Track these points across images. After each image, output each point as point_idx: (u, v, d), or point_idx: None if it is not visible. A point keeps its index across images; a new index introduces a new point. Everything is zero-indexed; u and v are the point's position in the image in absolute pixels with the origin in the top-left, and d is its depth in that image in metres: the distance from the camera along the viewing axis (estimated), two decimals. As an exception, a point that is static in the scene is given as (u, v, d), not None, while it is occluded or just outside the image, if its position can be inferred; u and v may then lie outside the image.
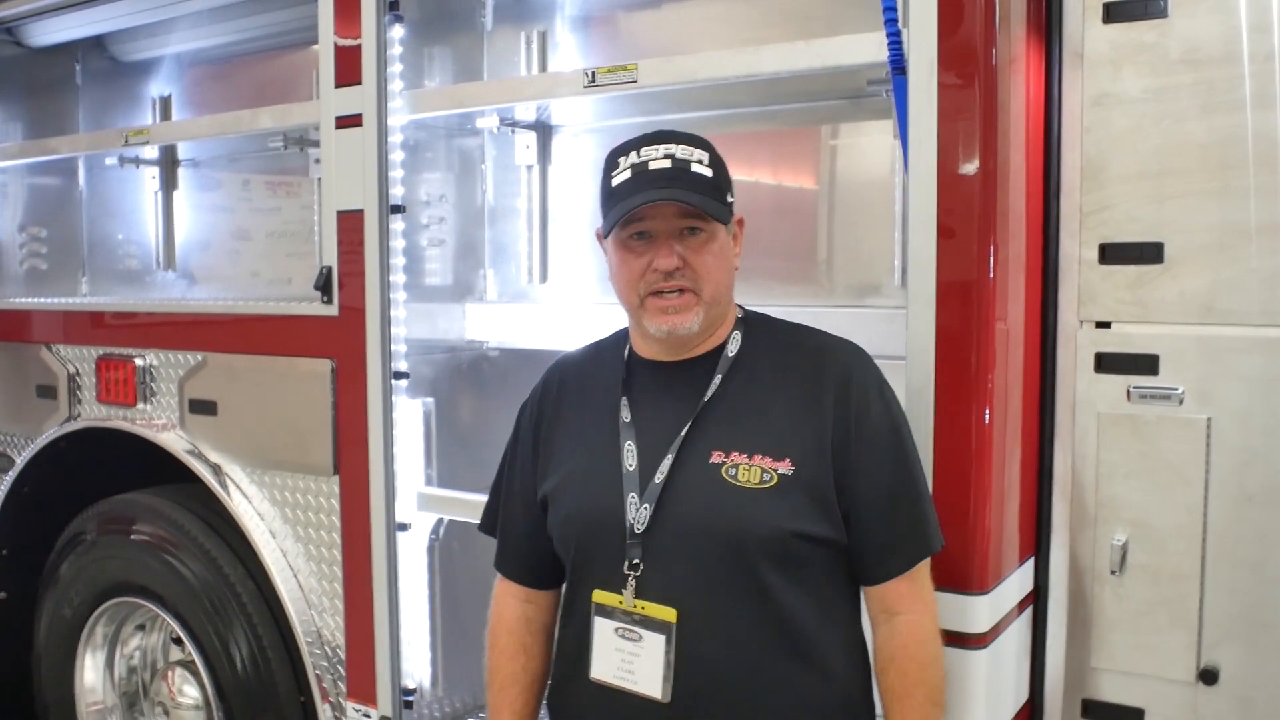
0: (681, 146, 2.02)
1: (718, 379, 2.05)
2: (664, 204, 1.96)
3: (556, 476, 2.15)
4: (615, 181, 2.02)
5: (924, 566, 2.05)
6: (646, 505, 2.00)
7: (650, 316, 2.03)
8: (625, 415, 2.09)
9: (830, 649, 2.02)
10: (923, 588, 2.05)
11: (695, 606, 1.97)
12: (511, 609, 2.30)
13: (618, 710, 2.02)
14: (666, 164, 1.99)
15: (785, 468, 1.96)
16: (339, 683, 3.26)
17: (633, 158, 2.02)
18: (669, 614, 1.97)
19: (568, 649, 2.15)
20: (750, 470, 1.96)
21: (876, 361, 2.12)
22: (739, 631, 1.97)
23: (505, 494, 2.31)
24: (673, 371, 2.10)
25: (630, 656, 2.00)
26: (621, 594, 2.01)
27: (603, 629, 2.03)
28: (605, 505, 2.04)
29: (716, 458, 1.99)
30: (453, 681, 3.28)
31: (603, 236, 2.09)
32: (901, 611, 2.02)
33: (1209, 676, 2.33)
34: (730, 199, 2.07)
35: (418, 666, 3.18)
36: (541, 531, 2.18)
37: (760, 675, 1.97)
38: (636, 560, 1.99)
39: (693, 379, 2.07)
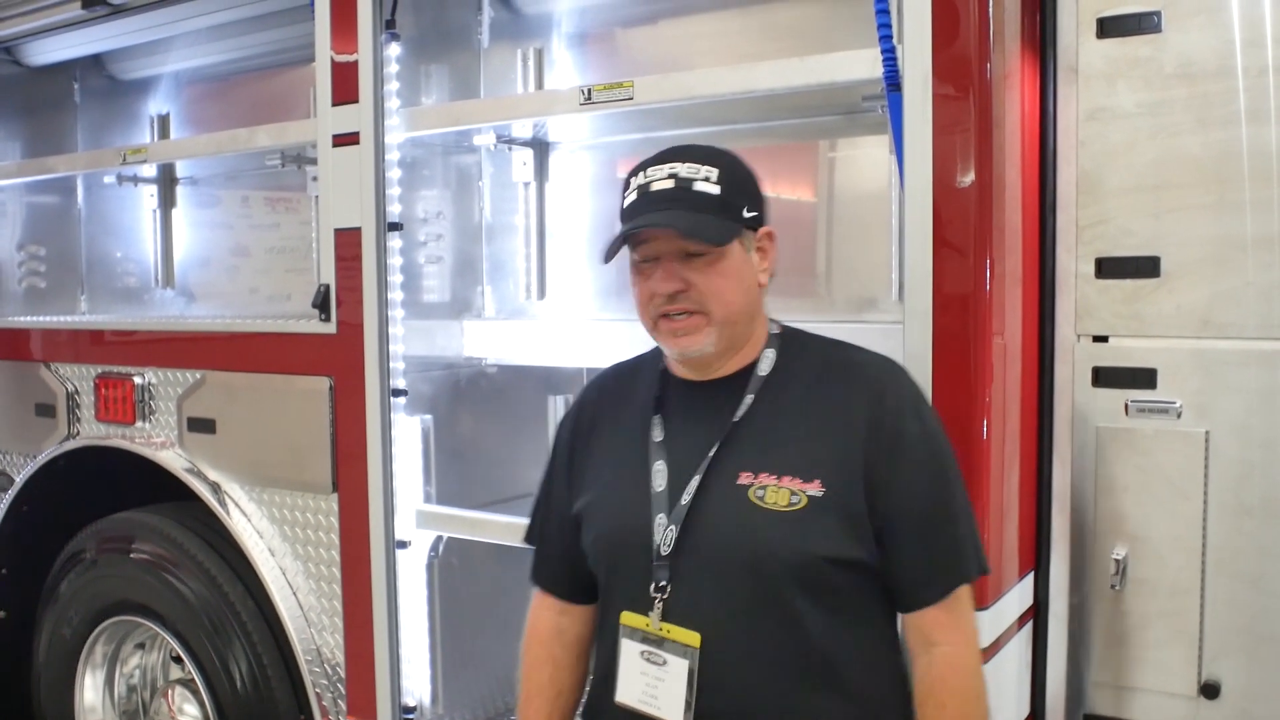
0: (688, 165, 1.96)
1: (749, 399, 1.99)
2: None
3: (589, 494, 2.11)
4: (625, 203, 2.00)
5: (963, 594, 1.95)
6: (673, 526, 1.95)
7: (663, 339, 2.01)
8: (657, 435, 2.04)
9: (867, 678, 1.95)
10: (962, 617, 1.95)
11: (720, 631, 1.92)
12: (545, 620, 2.25)
13: None
14: (668, 184, 1.94)
15: (815, 489, 1.89)
16: (339, 700, 3.25)
17: (640, 178, 1.98)
18: (693, 638, 1.92)
19: (599, 670, 2.11)
20: (779, 492, 1.90)
21: None
22: (765, 658, 1.91)
23: (544, 507, 2.27)
24: (704, 391, 2.04)
25: (655, 681, 1.95)
26: (648, 616, 1.96)
27: (629, 651, 1.99)
28: (633, 525, 2.00)
29: (745, 479, 1.93)
30: (453, 698, 3.27)
31: (604, 260, 2.04)
32: (939, 642, 1.93)
33: (1210, 690, 2.32)
34: (749, 214, 1.98)
35: (418, 684, 3.17)
36: (576, 547, 2.14)
37: (787, 704, 1.91)
38: (664, 582, 1.95)
39: (723, 398, 2.01)
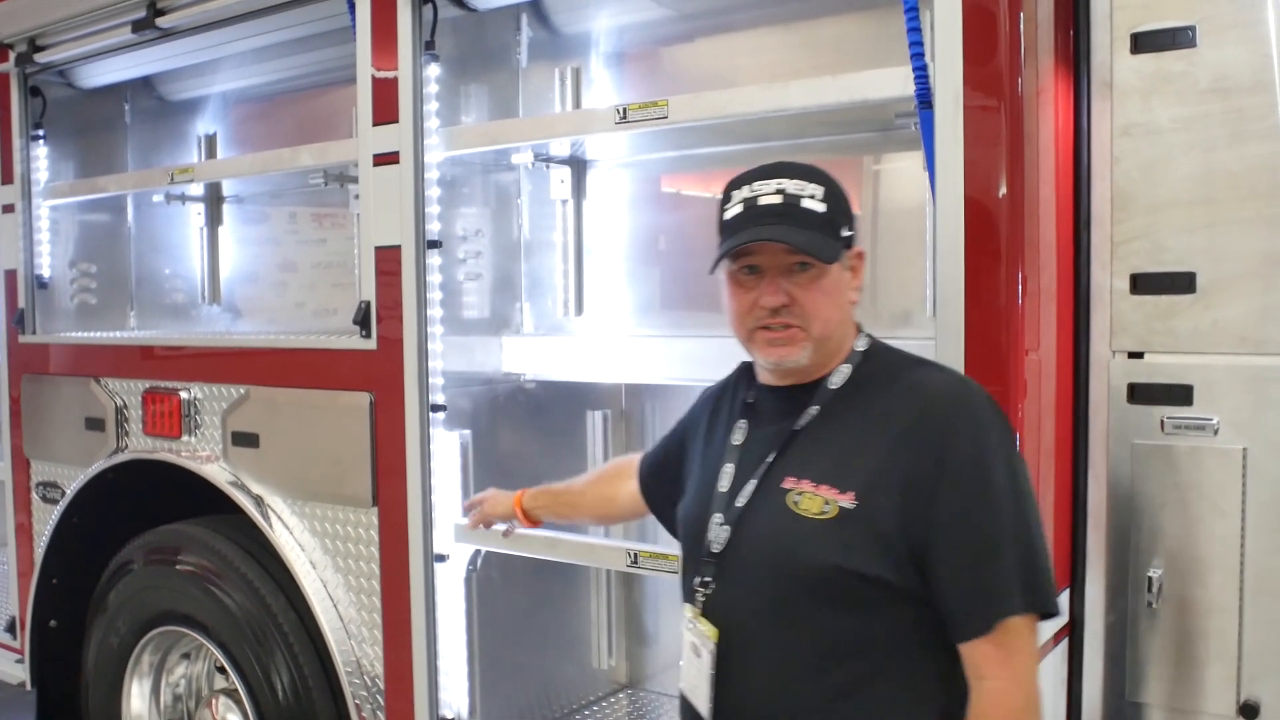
0: (794, 181, 1.98)
1: (814, 409, 2.02)
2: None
3: (689, 480, 2.23)
4: (727, 215, 2.01)
5: (1015, 628, 1.86)
6: (727, 526, 2.02)
7: (759, 349, 2.03)
8: (736, 438, 2.11)
9: (890, 696, 1.93)
10: (1014, 653, 1.87)
11: (745, 629, 1.98)
12: (629, 473, 2.59)
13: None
14: (777, 199, 1.96)
15: (847, 500, 1.90)
16: (378, 712, 3.29)
17: (745, 191, 2.00)
18: (712, 632, 2.00)
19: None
20: (813, 499, 1.93)
21: None
22: (783, 661, 1.96)
23: (668, 441, 2.45)
24: (782, 397, 2.08)
25: (695, 671, 2.05)
26: (694, 607, 2.05)
27: (685, 638, 2.09)
28: (699, 522, 2.09)
29: (788, 484, 1.97)
30: (490, 711, 3.29)
31: (712, 270, 2.07)
32: (987, 676, 1.87)
33: (1249, 711, 2.30)
34: (846, 233, 2.01)
35: (456, 696, 3.20)
36: (668, 484, 2.37)
37: (800, 706, 1.94)
38: (708, 578, 2.03)
39: (795, 406, 2.05)
